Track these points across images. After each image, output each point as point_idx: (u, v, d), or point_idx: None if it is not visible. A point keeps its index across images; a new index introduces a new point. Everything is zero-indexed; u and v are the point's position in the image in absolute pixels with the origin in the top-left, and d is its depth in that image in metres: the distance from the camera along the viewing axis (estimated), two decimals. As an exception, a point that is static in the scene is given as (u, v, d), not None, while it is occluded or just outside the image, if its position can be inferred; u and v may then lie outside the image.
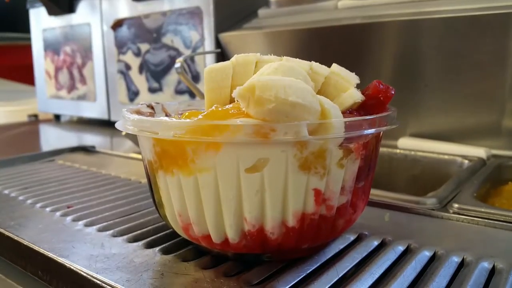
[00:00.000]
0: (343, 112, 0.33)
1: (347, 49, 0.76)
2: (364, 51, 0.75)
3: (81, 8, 1.09)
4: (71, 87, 1.13)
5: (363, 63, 0.75)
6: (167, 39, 0.92)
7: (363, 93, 0.36)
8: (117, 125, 0.34)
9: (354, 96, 0.35)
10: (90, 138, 1.02)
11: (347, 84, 0.36)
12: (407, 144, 0.70)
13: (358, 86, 0.39)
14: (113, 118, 1.04)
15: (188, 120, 0.30)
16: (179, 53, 0.90)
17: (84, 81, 1.10)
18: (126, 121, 0.33)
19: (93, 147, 0.72)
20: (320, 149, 0.30)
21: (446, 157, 0.65)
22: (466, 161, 0.63)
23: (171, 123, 0.29)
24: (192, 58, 0.88)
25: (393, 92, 0.37)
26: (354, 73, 0.39)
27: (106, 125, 1.06)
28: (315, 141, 0.29)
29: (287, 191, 0.30)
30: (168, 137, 0.29)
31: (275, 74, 0.30)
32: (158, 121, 0.30)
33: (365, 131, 0.31)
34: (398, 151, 0.69)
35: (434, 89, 0.71)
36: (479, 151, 0.64)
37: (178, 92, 0.91)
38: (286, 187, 0.30)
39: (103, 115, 1.06)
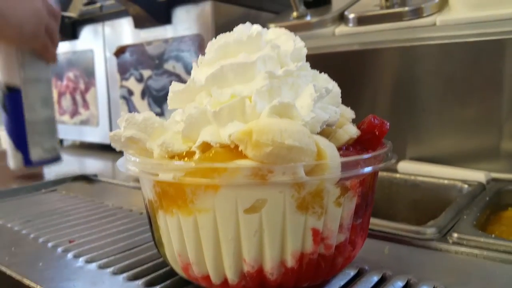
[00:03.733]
0: (339, 148, 0.34)
1: (345, 75, 0.77)
2: (362, 77, 0.76)
3: (84, 34, 1.10)
4: (74, 112, 1.14)
5: (361, 88, 0.76)
6: (169, 65, 0.93)
7: (358, 127, 0.37)
8: (118, 165, 0.35)
9: (350, 131, 0.35)
10: (93, 164, 1.03)
11: (342, 119, 0.37)
12: (407, 168, 0.70)
13: (356, 117, 0.40)
14: (115, 143, 1.04)
15: (187, 162, 0.30)
16: (180, 79, 0.91)
17: (87, 106, 1.11)
18: (127, 161, 0.34)
19: (95, 175, 0.72)
20: (317, 188, 0.30)
21: (446, 182, 0.65)
22: (465, 186, 0.63)
23: (171, 165, 0.30)
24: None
25: (388, 127, 0.37)
26: (350, 105, 0.40)
27: (108, 149, 1.06)
28: (312, 181, 0.29)
29: (285, 231, 0.30)
30: (168, 179, 0.30)
31: (270, 115, 0.31)
32: (159, 164, 0.31)
33: (362, 170, 0.31)
34: (398, 175, 0.69)
35: (432, 113, 0.71)
36: (478, 175, 0.64)
37: (180, 117, 0.92)
38: (284, 228, 0.30)
39: (106, 140, 1.06)
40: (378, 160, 0.32)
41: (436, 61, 0.70)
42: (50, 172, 0.80)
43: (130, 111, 1.01)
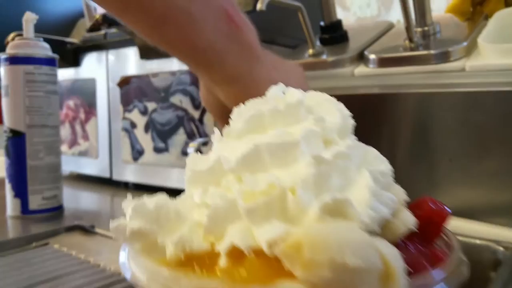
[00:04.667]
0: (395, 243, 0.26)
1: (364, 119, 0.69)
2: (381, 122, 0.69)
3: (87, 62, 1.03)
4: (73, 143, 1.07)
5: (381, 135, 0.69)
6: (175, 99, 0.86)
7: (411, 211, 0.30)
8: (120, 265, 0.27)
9: (408, 222, 0.28)
10: (90, 199, 0.95)
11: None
12: (432, 223, 0.62)
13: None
14: (115, 177, 0.97)
15: (213, 281, 0.22)
16: (187, 114, 0.84)
17: (86, 137, 1.03)
18: (133, 262, 0.26)
19: (92, 226, 0.64)
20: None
21: (477, 241, 0.58)
22: (500, 248, 0.55)
23: (193, 283, 0.22)
24: (201, 120, 0.82)
25: (449, 212, 0.30)
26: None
27: (107, 183, 0.98)
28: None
29: None
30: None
31: (321, 216, 0.23)
32: (175, 278, 0.23)
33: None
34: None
35: (459, 164, 0.64)
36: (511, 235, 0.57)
37: (185, 153, 0.84)
38: None
39: (105, 173, 0.99)
40: (451, 273, 0.25)
41: (464, 109, 0.63)
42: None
43: (132, 144, 0.93)
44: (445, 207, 0.31)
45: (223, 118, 0.46)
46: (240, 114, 0.28)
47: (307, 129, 0.26)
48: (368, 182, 0.25)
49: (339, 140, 0.27)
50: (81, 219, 0.70)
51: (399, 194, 0.31)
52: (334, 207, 0.24)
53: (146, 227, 0.26)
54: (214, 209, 0.24)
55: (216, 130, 0.30)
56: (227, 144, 0.28)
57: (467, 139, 0.64)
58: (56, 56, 0.80)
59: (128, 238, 0.27)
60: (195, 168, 0.27)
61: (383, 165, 0.29)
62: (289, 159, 0.25)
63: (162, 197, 0.27)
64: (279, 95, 0.29)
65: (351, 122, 0.30)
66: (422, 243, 0.30)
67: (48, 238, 0.60)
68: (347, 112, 0.30)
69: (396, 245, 0.27)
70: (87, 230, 0.65)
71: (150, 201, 0.27)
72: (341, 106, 0.31)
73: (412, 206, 0.31)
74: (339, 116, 0.29)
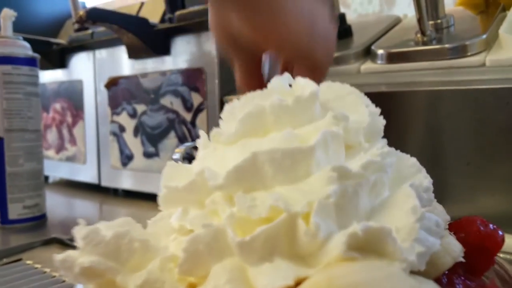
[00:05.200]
0: (439, 279, 0.19)
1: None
2: (390, 123, 0.61)
3: (73, 63, 0.96)
4: (60, 147, 0.99)
5: (389, 137, 0.62)
6: (166, 101, 0.78)
7: (455, 234, 0.22)
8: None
9: (454, 251, 0.20)
10: (77, 208, 0.87)
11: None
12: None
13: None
14: (103, 183, 0.89)
15: None
16: (178, 116, 0.77)
17: (74, 141, 0.95)
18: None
19: (71, 240, 0.57)
20: None
21: (501, 255, 0.51)
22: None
23: None
24: (193, 123, 0.74)
25: (503, 237, 0.23)
26: None
27: (95, 190, 0.91)
28: None
29: None
30: None
31: (347, 253, 0.16)
32: None
33: None
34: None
35: (478, 168, 0.56)
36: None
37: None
38: None
39: (93, 180, 0.91)
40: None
41: (484, 108, 0.55)
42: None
43: (121, 149, 0.85)
44: (498, 230, 0.23)
45: (233, 49, 0.38)
46: (233, 111, 0.21)
47: (325, 131, 0.18)
48: (413, 203, 0.17)
49: (367, 145, 0.20)
50: (66, 229, 0.63)
51: (441, 213, 0.24)
52: (365, 240, 0.16)
53: (101, 264, 0.18)
54: (194, 240, 0.17)
55: (202, 133, 0.22)
56: (216, 152, 0.20)
57: (487, 141, 0.56)
58: (36, 55, 0.73)
59: (78, 276, 0.19)
60: (170, 184, 0.20)
61: (423, 176, 0.21)
62: (300, 173, 0.18)
63: (125, 221, 0.20)
64: (285, 86, 0.21)
65: (382, 122, 0.22)
66: (469, 276, 0.23)
67: (22, 253, 0.52)
68: (375, 109, 0.23)
69: (439, 281, 0.19)
70: (66, 244, 0.58)
71: (108, 227, 0.19)
72: (368, 100, 0.23)
73: (455, 228, 0.24)
74: (366, 113, 0.21)
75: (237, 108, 0.20)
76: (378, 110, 0.24)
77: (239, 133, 0.20)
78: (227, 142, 0.20)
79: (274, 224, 0.16)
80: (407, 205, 0.18)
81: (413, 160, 0.22)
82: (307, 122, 0.20)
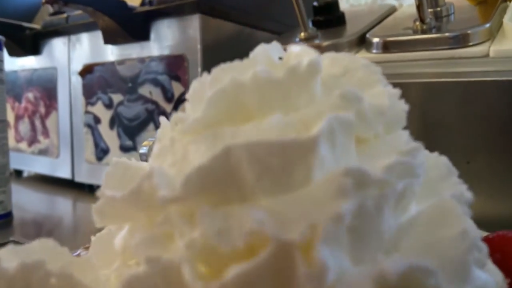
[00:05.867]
0: None
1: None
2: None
3: (47, 49, 0.88)
4: (32, 140, 0.91)
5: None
6: (144, 90, 0.71)
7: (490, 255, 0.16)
8: None
9: (495, 281, 0.14)
10: (49, 205, 0.80)
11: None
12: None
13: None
14: (77, 179, 0.82)
15: None
16: (158, 107, 0.70)
17: (46, 133, 0.88)
18: None
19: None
20: None
21: None
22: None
23: None
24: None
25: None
26: None
27: (69, 186, 0.83)
28: None
29: None
30: None
31: None
32: None
33: None
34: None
35: (480, 166, 0.51)
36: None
37: (155, 153, 0.70)
38: None
39: (67, 175, 0.83)
40: None
41: (487, 102, 0.50)
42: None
43: (95, 141, 0.78)
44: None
45: None
46: (202, 88, 0.14)
47: (331, 117, 0.12)
48: (461, 225, 0.11)
49: (387, 138, 0.14)
50: (31, 230, 0.56)
51: (473, 228, 0.18)
52: (396, 285, 0.10)
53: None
54: (131, 284, 0.11)
55: (162, 120, 0.16)
56: (174, 146, 0.14)
57: (490, 138, 0.51)
58: (1, 37, 0.65)
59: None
60: (107, 191, 0.14)
61: (457, 179, 0.15)
62: (296, 177, 0.12)
63: (42, 246, 0.13)
64: (273, 56, 0.15)
65: (403, 107, 0.16)
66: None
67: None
68: (394, 90, 0.17)
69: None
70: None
71: (15, 254, 0.13)
72: (384, 79, 0.17)
73: (488, 245, 0.18)
74: (384, 94, 0.15)
75: (207, 84, 0.14)
76: (398, 92, 0.18)
77: (207, 119, 0.13)
78: (191, 131, 0.13)
79: (258, 261, 0.10)
80: (453, 228, 0.12)
81: (443, 159, 0.16)
82: (305, 104, 0.13)
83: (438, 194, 0.14)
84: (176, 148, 0.13)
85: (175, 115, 0.15)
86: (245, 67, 0.14)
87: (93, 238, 0.17)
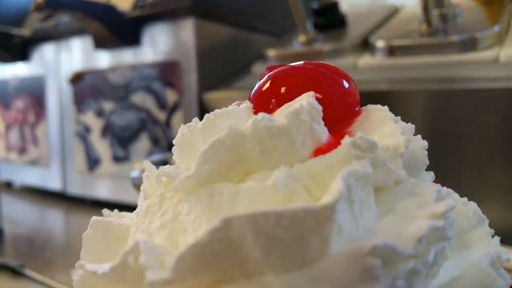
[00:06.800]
0: None
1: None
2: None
3: (36, 56, 0.86)
4: (22, 149, 0.89)
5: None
6: (137, 98, 0.69)
7: None
8: None
9: None
10: (40, 219, 0.78)
11: None
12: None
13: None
14: (69, 189, 0.80)
15: None
16: (151, 116, 0.68)
17: (37, 143, 0.86)
18: None
19: (22, 266, 0.48)
20: None
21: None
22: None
23: None
24: (168, 123, 0.66)
25: None
26: None
27: (60, 198, 0.81)
28: None
29: None
30: None
31: None
32: None
33: None
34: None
35: (491, 178, 0.50)
36: None
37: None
38: None
39: (58, 185, 0.81)
40: None
41: (498, 109, 0.48)
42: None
43: (87, 151, 0.76)
44: None
45: None
46: (193, 136, 0.12)
47: (347, 173, 0.10)
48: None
49: (410, 185, 0.12)
50: (23, 249, 0.55)
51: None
52: None
53: None
54: None
55: (147, 164, 0.14)
56: (163, 206, 0.12)
57: (502, 147, 0.49)
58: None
59: None
60: (87, 265, 0.12)
61: (488, 229, 0.14)
62: (310, 251, 0.10)
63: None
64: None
65: (423, 145, 0.14)
66: None
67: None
68: (407, 125, 0.15)
69: None
70: (14, 271, 0.49)
71: None
72: (391, 114, 0.15)
73: None
74: (398, 132, 0.13)
75: (199, 132, 0.12)
76: (412, 127, 0.16)
77: (202, 176, 0.11)
78: (183, 189, 0.12)
79: None
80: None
81: (473, 206, 0.14)
82: (310, 154, 0.12)
83: (470, 249, 0.12)
84: (165, 207, 0.12)
85: (161, 168, 0.13)
86: (244, 112, 0.12)
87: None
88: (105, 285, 0.11)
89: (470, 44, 0.50)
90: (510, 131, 0.47)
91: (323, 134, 0.13)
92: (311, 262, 0.10)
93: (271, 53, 0.61)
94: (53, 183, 0.82)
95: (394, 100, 0.53)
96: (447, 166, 0.49)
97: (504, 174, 0.48)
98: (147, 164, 0.14)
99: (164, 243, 0.11)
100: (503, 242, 0.40)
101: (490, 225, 0.43)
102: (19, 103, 0.90)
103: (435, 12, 0.54)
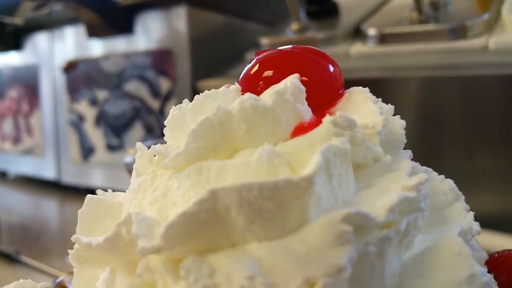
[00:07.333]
0: None
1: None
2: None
3: (29, 45, 0.86)
4: (17, 139, 0.89)
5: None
6: (130, 86, 0.69)
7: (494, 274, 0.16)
8: None
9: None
10: (35, 208, 0.79)
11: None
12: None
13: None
14: (64, 179, 0.80)
15: None
16: (145, 104, 0.68)
17: (31, 132, 0.86)
18: None
19: (18, 252, 0.49)
20: None
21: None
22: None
23: None
24: (162, 111, 0.66)
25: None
26: None
27: (55, 187, 0.82)
28: None
29: None
30: None
31: None
32: None
33: None
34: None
35: (481, 164, 0.51)
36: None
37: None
38: None
39: (52, 175, 0.82)
40: None
41: (488, 96, 0.49)
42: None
43: (81, 140, 0.77)
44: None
45: None
46: (183, 116, 0.13)
47: (326, 149, 0.11)
48: (469, 270, 0.11)
49: (387, 162, 0.13)
50: (19, 237, 0.55)
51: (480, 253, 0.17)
52: None
53: None
54: None
55: (139, 145, 0.14)
56: (154, 183, 0.13)
57: (490, 133, 0.51)
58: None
59: None
60: (82, 238, 0.12)
61: (464, 208, 0.15)
62: (290, 221, 0.11)
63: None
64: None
65: (401, 124, 0.15)
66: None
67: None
68: (387, 106, 0.16)
69: None
70: (11, 258, 0.50)
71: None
72: (371, 95, 0.16)
73: (491, 266, 0.17)
74: (376, 112, 0.14)
75: (188, 113, 0.13)
76: (391, 108, 0.17)
77: (191, 153, 0.12)
78: (173, 166, 0.12)
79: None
80: (460, 272, 0.11)
81: (450, 183, 0.15)
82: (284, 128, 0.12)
83: (445, 224, 0.13)
84: (156, 183, 0.12)
85: (153, 147, 0.13)
86: (231, 93, 0.13)
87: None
88: (100, 256, 0.12)
89: (460, 32, 0.51)
90: (498, 117, 0.48)
91: (307, 114, 0.13)
92: (291, 230, 0.11)
93: (264, 41, 0.61)
94: (48, 172, 0.82)
95: (385, 87, 0.54)
96: (436, 150, 0.51)
97: (492, 159, 0.49)
98: (139, 144, 0.15)
99: (155, 216, 0.12)
100: (491, 226, 0.41)
101: (477, 207, 0.44)
102: (13, 93, 0.90)
103: (426, 0, 0.55)
